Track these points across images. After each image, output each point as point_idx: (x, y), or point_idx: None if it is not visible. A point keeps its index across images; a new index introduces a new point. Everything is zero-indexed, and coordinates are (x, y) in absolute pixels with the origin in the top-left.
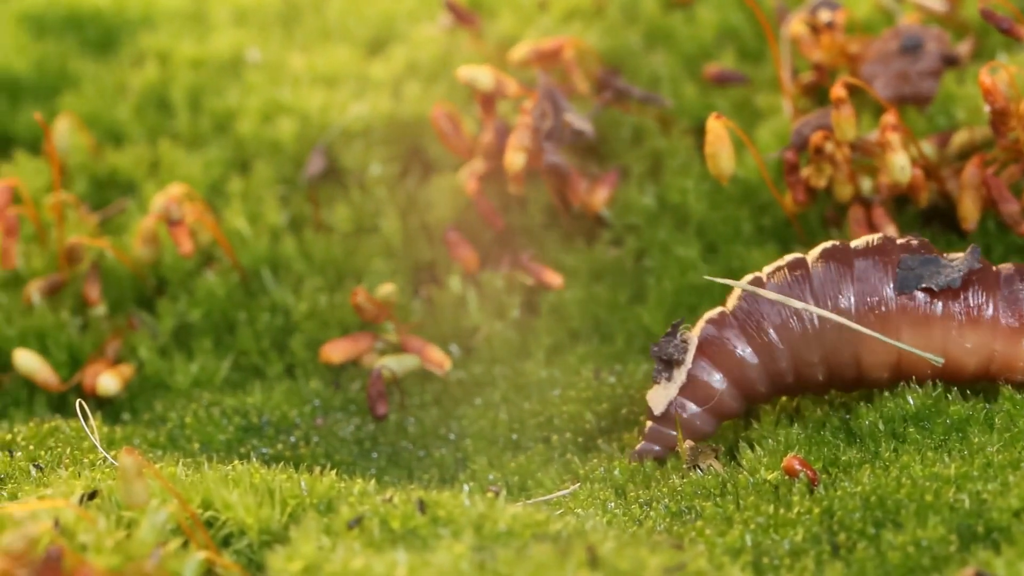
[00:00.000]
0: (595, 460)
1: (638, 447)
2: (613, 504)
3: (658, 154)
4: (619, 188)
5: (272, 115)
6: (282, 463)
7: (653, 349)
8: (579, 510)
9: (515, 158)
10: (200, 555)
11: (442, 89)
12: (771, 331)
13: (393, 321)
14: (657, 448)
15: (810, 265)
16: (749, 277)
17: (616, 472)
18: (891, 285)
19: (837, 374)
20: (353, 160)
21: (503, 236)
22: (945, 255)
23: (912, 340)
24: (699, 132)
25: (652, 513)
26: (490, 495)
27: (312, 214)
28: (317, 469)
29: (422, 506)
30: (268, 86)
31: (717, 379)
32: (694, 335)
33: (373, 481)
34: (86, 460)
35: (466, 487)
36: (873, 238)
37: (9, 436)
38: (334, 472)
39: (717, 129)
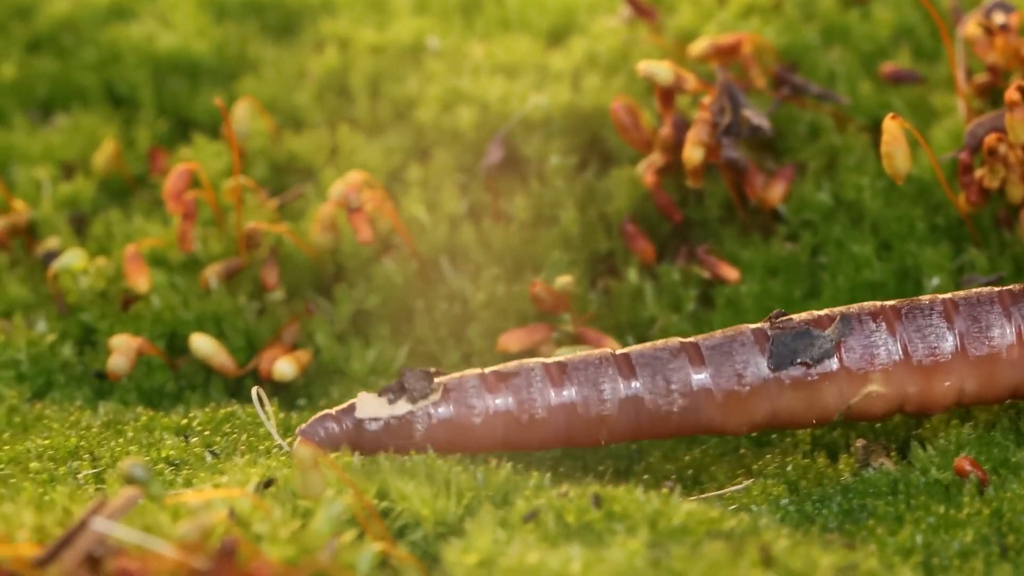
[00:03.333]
0: (769, 455)
1: (306, 426)
2: (786, 500)
3: (834, 151)
4: (795, 184)
5: (452, 104)
6: (458, 453)
7: (405, 372)
8: (752, 506)
9: (693, 152)
10: (375, 547)
11: (621, 81)
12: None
13: (570, 312)
14: (321, 435)
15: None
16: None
17: (789, 468)
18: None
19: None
20: (532, 150)
21: (680, 229)
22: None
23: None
24: (874, 130)
25: (824, 511)
26: (664, 490)
27: (491, 203)
28: (493, 461)
29: (597, 501)
30: (448, 74)
31: (417, 434)
32: (439, 393)
33: (549, 474)
34: (262, 447)
35: (643, 479)
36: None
37: (184, 421)
38: (510, 464)
39: (893, 129)
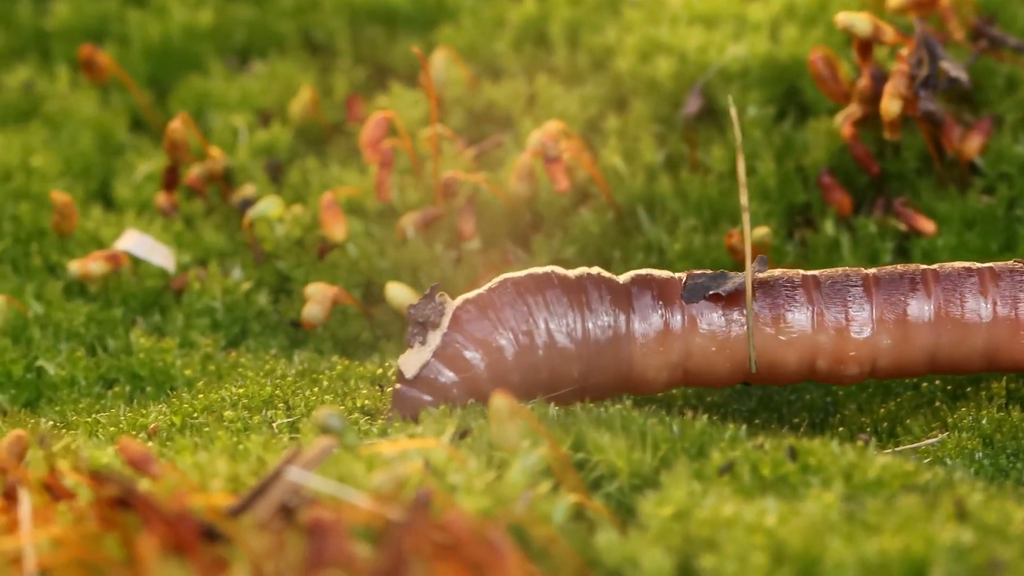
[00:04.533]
0: (963, 408)
1: (387, 414)
2: (981, 454)
3: None
4: (992, 137)
5: (650, 53)
6: (653, 405)
7: (410, 311)
8: (947, 459)
9: (891, 105)
10: (570, 498)
11: (819, 33)
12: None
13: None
14: (407, 414)
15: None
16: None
17: (984, 421)
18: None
19: (596, 377)
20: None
21: (877, 181)
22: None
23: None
24: None
25: (1019, 464)
26: (860, 443)
27: (688, 154)
28: (689, 412)
29: (793, 453)
30: (646, 24)
31: (473, 355)
32: (450, 300)
33: (744, 426)
34: None
35: (838, 431)
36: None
37: (380, 371)
38: (705, 416)
39: None
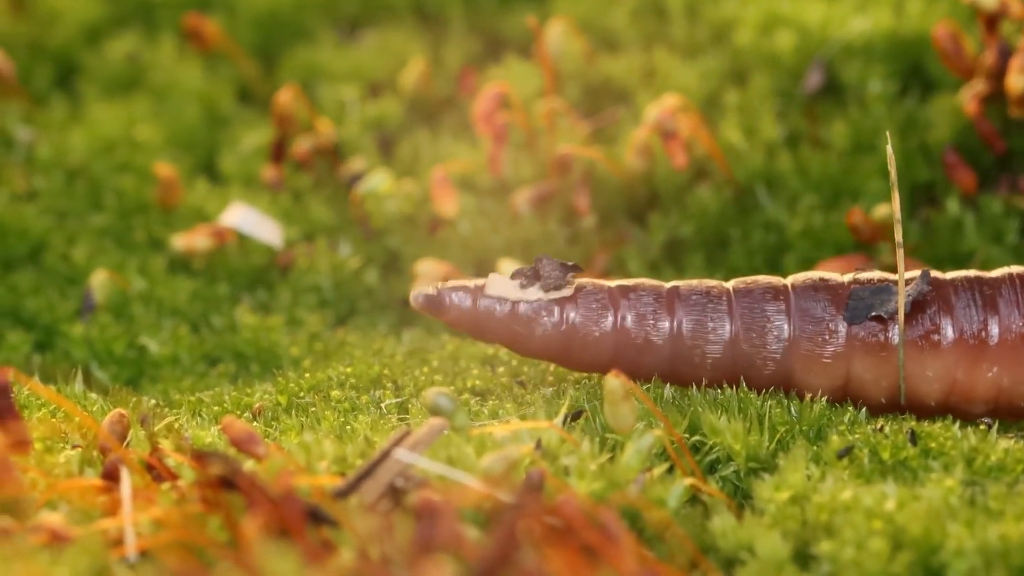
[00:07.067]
0: None
1: (436, 289)
2: None
3: None
4: None
5: (771, 27)
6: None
7: (541, 258)
8: None
9: (1017, 80)
10: (685, 482)
11: (945, 7)
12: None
13: (888, 243)
14: (447, 303)
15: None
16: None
17: None
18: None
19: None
20: (852, 76)
21: (1003, 159)
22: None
23: (865, 367)
24: None
25: None
26: (982, 427)
27: (809, 130)
28: (807, 395)
29: (913, 437)
30: None
31: (539, 330)
32: (570, 292)
33: (864, 408)
34: (570, 377)
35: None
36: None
37: (491, 350)
38: (824, 399)
39: None
